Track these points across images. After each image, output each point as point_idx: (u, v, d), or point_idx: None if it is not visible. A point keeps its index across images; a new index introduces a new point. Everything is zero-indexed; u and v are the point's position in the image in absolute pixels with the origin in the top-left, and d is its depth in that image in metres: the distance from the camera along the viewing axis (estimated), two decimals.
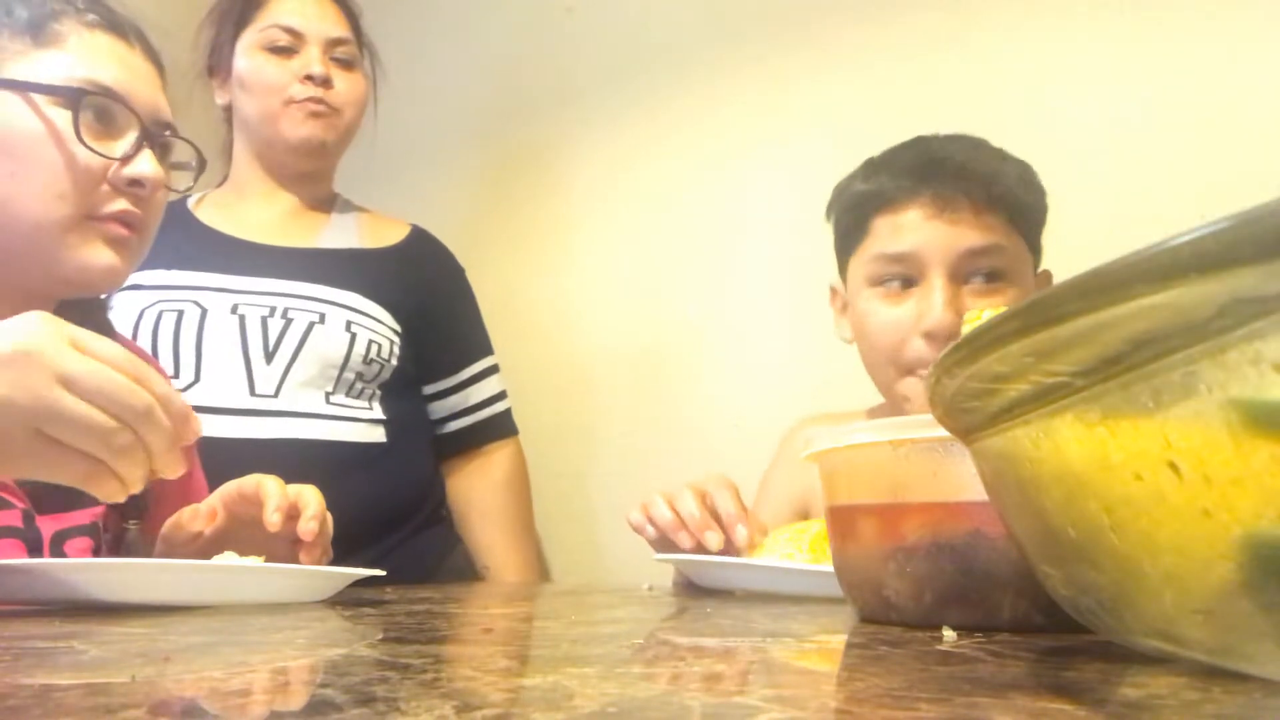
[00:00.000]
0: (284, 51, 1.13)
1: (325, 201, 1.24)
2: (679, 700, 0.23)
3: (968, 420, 0.30)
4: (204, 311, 1.05)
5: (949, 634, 0.39)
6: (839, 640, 0.39)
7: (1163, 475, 0.21)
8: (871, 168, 0.86)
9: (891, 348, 0.83)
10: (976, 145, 0.85)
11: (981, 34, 1.19)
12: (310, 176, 1.19)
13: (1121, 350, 0.20)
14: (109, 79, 0.68)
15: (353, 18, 1.20)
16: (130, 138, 0.68)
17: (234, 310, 1.06)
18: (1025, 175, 0.84)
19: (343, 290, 1.11)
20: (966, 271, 0.81)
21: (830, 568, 0.50)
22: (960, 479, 0.43)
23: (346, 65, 1.16)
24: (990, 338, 0.22)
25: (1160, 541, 0.22)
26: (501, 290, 1.49)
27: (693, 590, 0.72)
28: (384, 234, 1.24)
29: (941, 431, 0.39)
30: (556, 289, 1.53)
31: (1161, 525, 0.22)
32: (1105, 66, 1.10)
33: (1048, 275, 0.88)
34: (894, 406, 0.85)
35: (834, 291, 0.94)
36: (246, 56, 1.13)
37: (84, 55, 0.68)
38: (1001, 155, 0.84)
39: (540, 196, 1.62)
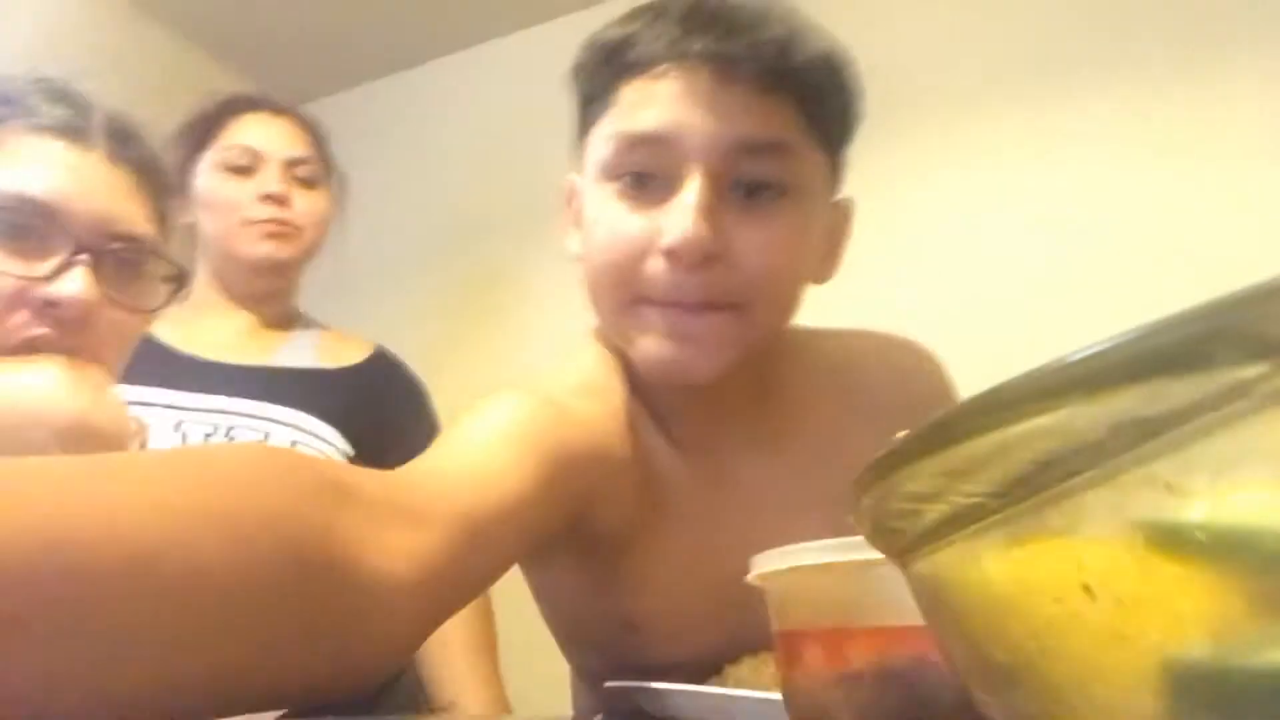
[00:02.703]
0: (243, 171, 1.15)
1: (285, 319, 1.24)
2: None
3: (896, 542, 0.29)
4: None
5: None
6: None
7: (1078, 599, 0.21)
8: (633, 12, 0.63)
9: (620, 265, 0.60)
10: (776, 8, 0.61)
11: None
12: (269, 295, 1.20)
13: (1028, 471, 0.20)
14: (39, 189, 0.63)
15: (316, 137, 1.23)
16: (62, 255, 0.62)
17: (177, 428, 1.04)
18: (834, 59, 0.62)
19: (292, 409, 1.10)
20: (735, 174, 0.59)
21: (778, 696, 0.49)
22: (904, 601, 0.43)
23: (308, 184, 1.18)
24: (899, 456, 0.22)
25: (1084, 668, 0.22)
26: (465, 410, 1.48)
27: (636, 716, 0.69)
28: (344, 353, 1.23)
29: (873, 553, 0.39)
30: None
31: (1084, 651, 0.22)
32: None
33: (847, 206, 0.68)
34: (621, 341, 0.65)
35: (571, 191, 0.70)
36: (206, 176, 1.16)
37: (16, 164, 0.64)
38: (809, 28, 0.62)
39: (503, 315, 1.64)
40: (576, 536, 0.62)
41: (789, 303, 0.65)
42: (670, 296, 0.60)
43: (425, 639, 0.46)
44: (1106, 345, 0.17)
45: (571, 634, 0.72)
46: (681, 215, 0.57)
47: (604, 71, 0.63)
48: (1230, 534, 0.17)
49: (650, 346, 0.61)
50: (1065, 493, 0.20)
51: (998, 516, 0.23)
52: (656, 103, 0.59)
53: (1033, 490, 0.21)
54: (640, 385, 0.68)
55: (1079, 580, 0.21)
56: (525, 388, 0.62)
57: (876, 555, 0.43)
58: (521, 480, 0.53)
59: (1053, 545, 0.21)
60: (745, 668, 0.68)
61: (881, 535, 0.29)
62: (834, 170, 0.65)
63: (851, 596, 0.44)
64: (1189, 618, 0.19)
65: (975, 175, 1.62)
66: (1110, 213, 1.50)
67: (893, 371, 0.73)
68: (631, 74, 0.61)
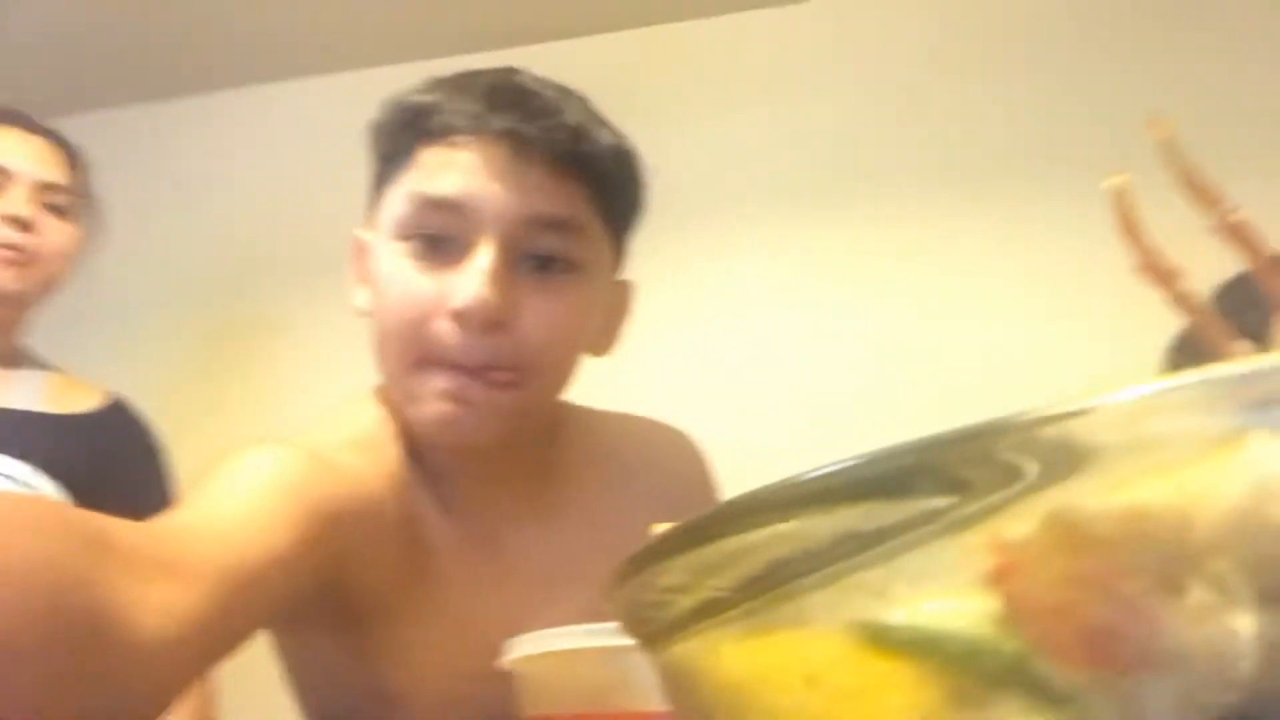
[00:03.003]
0: None
1: (10, 357, 1.12)
2: None
3: (647, 630, 0.31)
4: None
5: None
6: None
7: (802, 690, 0.23)
8: (437, 81, 0.65)
9: (409, 324, 0.61)
10: (573, 97, 0.65)
11: None
12: None
13: (763, 571, 0.23)
14: None
15: (74, 162, 1.14)
16: None
17: None
18: (625, 153, 0.67)
19: (5, 456, 1.00)
20: (526, 247, 0.61)
21: None
22: (653, 688, 0.45)
23: (59, 212, 1.09)
24: (656, 550, 0.24)
25: None
26: (206, 468, 1.39)
27: None
28: (74, 399, 1.13)
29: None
30: None
31: None
32: None
33: (628, 287, 0.72)
34: (404, 400, 0.64)
35: (360, 247, 0.69)
36: None
37: None
38: (603, 120, 0.66)
39: (257, 372, 1.56)
40: (336, 598, 0.60)
41: (567, 374, 0.67)
42: (455, 359, 0.60)
43: (181, 695, 0.44)
44: (834, 468, 0.19)
45: (323, 707, 0.69)
46: (472, 279, 0.59)
47: (405, 133, 0.64)
48: (924, 635, 0.20)
49: (430, 407, 0.62)
50: (792, 592, 0.23)
51: (737, 610, 0.25)
52: (456, 170, 0.61)
53: (767, 588, 0.23)
54: (417, 448, 0.67)
55: (803, 673, 0.23)
56: (289, 440, 0.60)
57: (627, 642, 0.45)
58: (284, 536, 0.51)
59: (781, 639, 0.24)
60: None
61: (635, 623, 0.31)
62: (618, 252, 0.69)
63: (602, 682, 0.45)
64: (896, 709, 0.22)
65: (753, 278, 1.74)
66: (880, 326, 1.65)
67: (663, 458, 0.76)
68: (433, 139, 0.62)
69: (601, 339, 0.70)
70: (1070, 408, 0.16)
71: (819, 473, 0.20)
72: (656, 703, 0.45)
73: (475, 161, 0.61)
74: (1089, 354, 1.41)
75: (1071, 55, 1.71)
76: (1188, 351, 0.96)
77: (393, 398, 0.66)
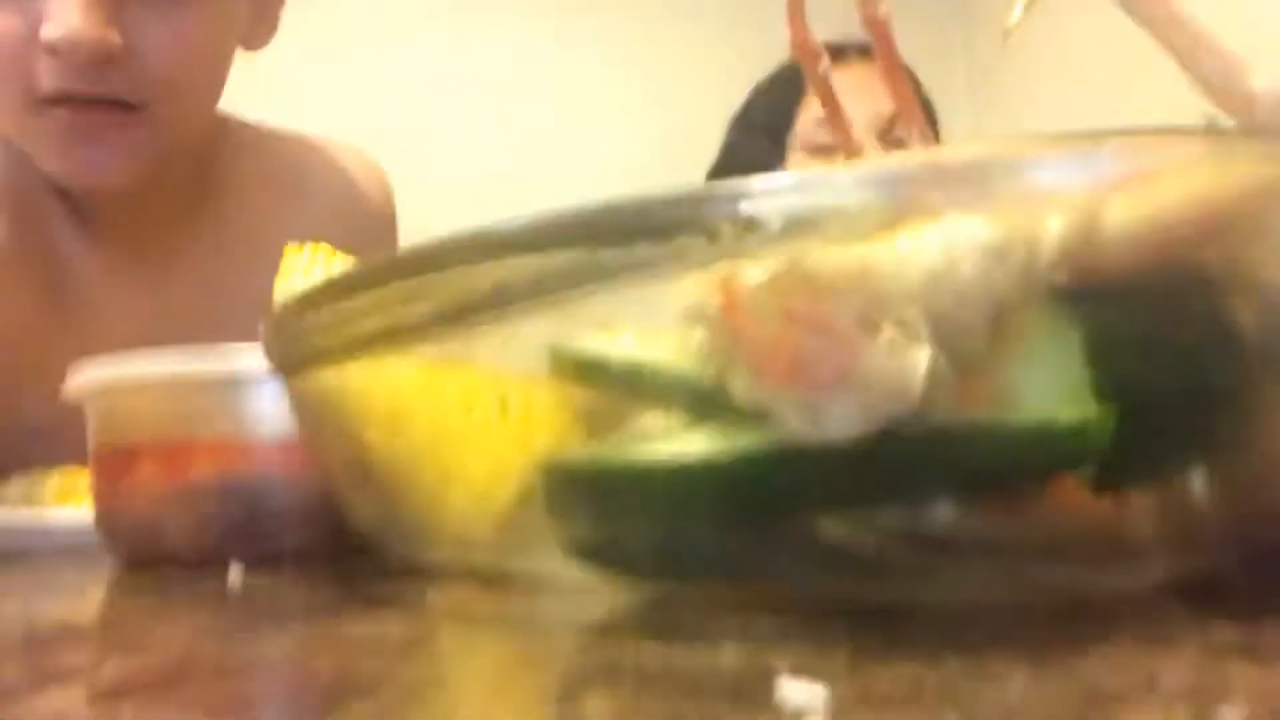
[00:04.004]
0: None
1: None
2: None
3: (300, 354, 0.30)
4: None
5: (234, 570, 0.39)
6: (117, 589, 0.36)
7: (492, 410, 0.25)
8: None
9: (7, 62, 0.52)
10: None
11: None
12: None
13: (476, 302, 0.24)
14: None
15: None
16: None
17: None
18: None
19: None
20: None
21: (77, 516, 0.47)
22: (246, 414, 0.44)
23: None
24: (354, 277, 0.24)
25: (476, 466, 0.27)
26: None
27: None
28: None
29: (231, 366, 0.40)
30: None
31: (481, 452, 0.26)
32: None
33: None
34: (23, 146, 0.56)
35: None
36: None
37: None
38: None
39: None
40: None
41: (210, 97, 0.59)
42: (63, 91, 0.51)
43: None
44: (576, 210, 0.21)
45: None
46: (64, 8, 0.49)
47: None
48: (630, 364, 0.22)
49: (52, 152, 0.54)
50: (500, 321, 0.24)
51: (430, 337, 0.26)
52: None
53: (475, 319, 0.24)
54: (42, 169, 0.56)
55: (497, 394, 0.25)
56: None
57: (220, 369, 0.43)
58: None
59: (477, 366, 0.26)
60: (17, 486, 0.62)
61: (289, 346, 0.30)
62: None
63: (195, 410, 0.43)
64: (569, 427, 0.25)
65: None
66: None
67: (342, 181, 0.71)
68: None
69: (255, 30, 0.61)
70: (814, 178, 0.19)
71: (551, 216, 0.21)
72: (254, 433, 0.45)
73: None
74: None
75: None
76: (740, 127, 1.09)
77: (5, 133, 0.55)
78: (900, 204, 0.18)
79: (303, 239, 0.40)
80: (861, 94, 0.97)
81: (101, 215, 0.61)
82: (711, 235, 0.19)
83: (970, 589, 0.19)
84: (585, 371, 0.23)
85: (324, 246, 0.39)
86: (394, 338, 0.27)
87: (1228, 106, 0.35)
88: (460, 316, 0.25)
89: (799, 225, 0.19)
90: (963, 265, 0.18)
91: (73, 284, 0.60)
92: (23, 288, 0.57)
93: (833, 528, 0.20)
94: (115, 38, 0.51)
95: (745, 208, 0.19)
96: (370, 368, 0.28)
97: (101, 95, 0.52)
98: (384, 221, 0.73)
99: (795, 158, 1.00)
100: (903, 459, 0.19)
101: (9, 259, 0.56)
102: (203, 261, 0.64)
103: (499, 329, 0.24)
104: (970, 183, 0.19)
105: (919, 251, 0.18)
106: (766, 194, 0.19)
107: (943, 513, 0.19)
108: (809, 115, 0.99)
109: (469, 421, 0.26)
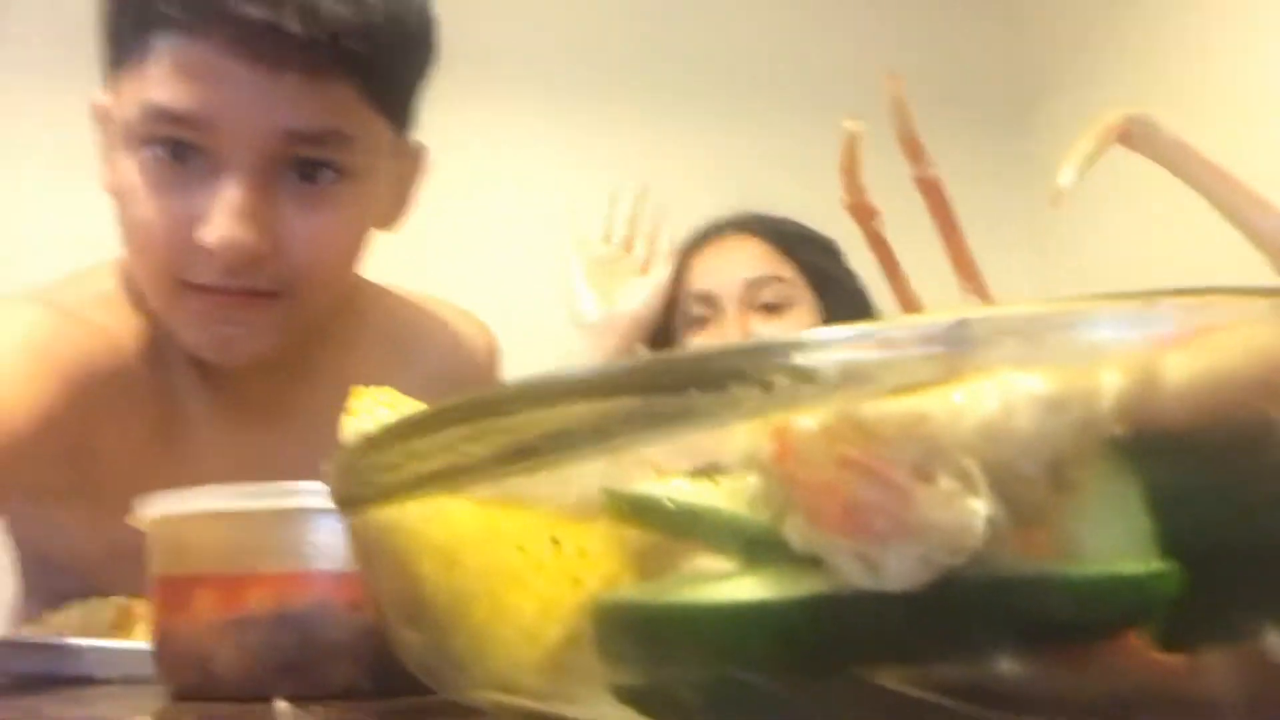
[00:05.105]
0: None
1: None
2: None
3: (362, 491, 0.31)
4: None
5: (282, 705, 0.39)
6: None
7: (545, 548, 0.25)
8: None
9: (158, 251, 0.55)
10: None
11: None
12: None
13: (535, 444, 0.24)
14: None
15: None
16: None
17: None
18: (399, 18, 0.55)
19: None
20: (286, 157, 0.54)
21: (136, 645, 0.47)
22: (304, 548, 0.44)
23: None
24: (432, 421, 0.25)
25: (527, 604, 0.27)
26: None
27: None
28: None
29: (292, 502, 0.41)
30: None
31: (532, 591, 0.26)
32: None
33: (418, 151, 0.64)
34: (165, 317, 0.59)
35: (103, 113, 0.58)
36: None
37: None
38: None
39: None
40: (80, 465, 0.56)
41: (343, 279, 0.62)
42: (213, 285, 0.55)
43: None
44: (623, 365, 0.22)
45: (48, 568, 0.64)
46: (222, 216, 0.52)
47: (138, 19, 0.53)
48: (685, 509, 0.23)
49: (192, 330, 0.57)
50: (557, 463, 0.25)
51: (488, 476, 0.26)
52: (193, 75, 0.51)
53: (534, 460, 0.25)
54: None
55: (550, 533, 0.25)
56: (36, 293, 0.55)
57: (280, 504, 0.44)
58: (31, 410, 0.48)
59: (533, 504, 0.26)
60: (75, 612, 0.62)
61: (354, 485, 0.31)
62: (404, 123, 0.61)
63: (254, 543, 0.44)
64: (622, 568, 0.25)
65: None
66: None
67: (448, 341, 0.73)
68: (166, 27, 0.52)
69: (390, 213, 0.64)
70: (870, 331, 0.19)
71: (595, 371, 0.22)
72: (308, 564, 0.45)
73: (217, 65, 0.51)
74: None
75: None
76: None
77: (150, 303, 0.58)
78: (956, 358, 0.19)
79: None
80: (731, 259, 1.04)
81: (221, 365, 0.63)
82: (766, 386, 0.20)
83: None
84: (639, 513, 0.23)
85: (390, 389, 0.40)
86: (454, 478, 0.27)
87: None
88: (518, 459, 0.25)
89: (854, 377, 0.19)
90: (1019, 416, 0.19)
91: (183, 422, 0.62)
92: (140, 417, 0.60)
93: (890, 679, 0.20)
94: (267, 246, 0.54)
95: (800, 360, 0.19)
96: (429, 505, 0.29)
97: (246, 288, 0.56)
98: (485, 384, 0.76)
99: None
100: (961, 610, 0.19)
101: (135, 388, 0.58)
102: (308, 413, 0.66)
103: (555, 471, 0.25)
104: (1026, 338, 0.19)
105: (975, 402, 0.18)
106: (821, 346, 0.20)
107: (1004, 666, 0.18)
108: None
109: (522, 559, 0.26)
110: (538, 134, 1.77)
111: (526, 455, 0.25)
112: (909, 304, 0.36)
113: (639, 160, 1.59)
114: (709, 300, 1.03)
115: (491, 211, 1.71)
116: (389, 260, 0.70)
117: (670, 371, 0.22)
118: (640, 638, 0.24)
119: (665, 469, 0.22)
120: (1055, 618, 0.18)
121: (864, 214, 0.35)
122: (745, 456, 0.21)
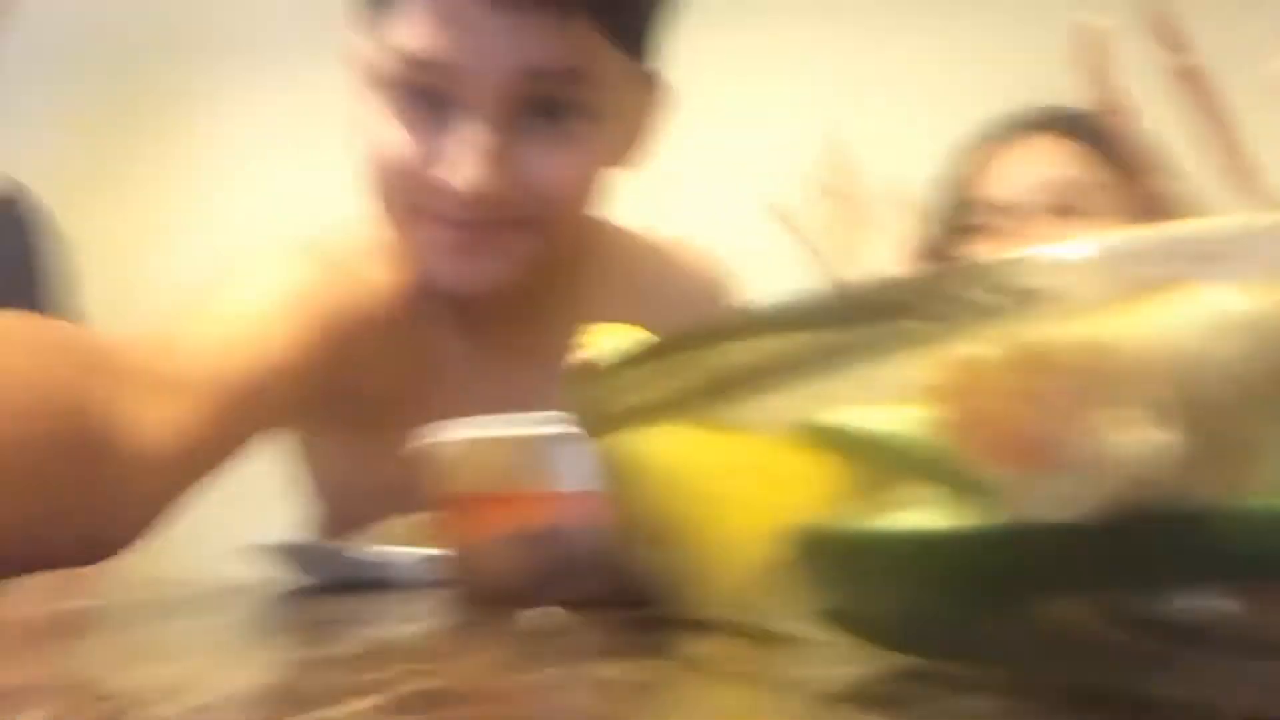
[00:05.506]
0: None
1: None
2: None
3: (597, 417, 0.34)
4: None
5: (538, 612, 0.43)
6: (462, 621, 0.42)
7: (751, 475, 0.27)
8: None
9: (401, 182, 0.58)
10: None
11: None
12: None
13: (735, 377, 0.26)
14: None
15: None
16: None
17: None
18: None
19: None
20: (528, 98, 0.55)
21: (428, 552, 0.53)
22: (559, 471, 0.48)
23: None
24: (649, 354, 0.27)
25: (735, 527, 0.28)
26: (115, 268, 1.30)
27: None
28: None
29: (550, 429, 0.44)
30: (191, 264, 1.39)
31: (741, 515, 0.28)
32: None
33: (655, 90, 0.64)
34: (408, 249, 0.62)
35: (355, 53, 0.62)
36: None
37: None
38: None
39: (171, 149, 1.45)
40: (347, 405, 0.61)
41: (582, 212, 0.63)
42: (450, 217, 0.57)
43: (175, 505, 0.45)
44: (809, 299, 0.22)
45: (335, 505, 0.71)
46: (466, 158, 0.54)
47: None
48: (866, 435, 0.23)
49: (432, 260, 0.60)
50: (751, 395, 0.26)
51: (697, 408, 0.28)
52: (437, 20, 0.54)
53: (734, 393, 0.26)
54: None
55: (752, 462, 0.27)
56: (305, 244, 0.59)
57: (539, 431, 0.48)
58: (289, 346, 0.52)
59: (735, 434, 0.27)
60: (399, 525, 0.71)
61: (589, 413, 0.34)
62: (642, 64, 0.61)
63: (510, 467, 0.49)
64: (814, 493, 0.26)
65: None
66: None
67: (680, 279, 0.75)
68: None
69: (631, 153, 0.66)
70: (1045, 256, 0.19)
71: (809, 300, 0.23)
72: (564, 486, 0.49)
73: (462, 9, 0.53)
74: None
75: None
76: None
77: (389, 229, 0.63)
78: (1143, 279, 0.18)
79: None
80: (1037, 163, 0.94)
81: (475, 308, 0.67)
82: (949, 316, 0.19)
83: (1212, 686, 0.18)
84: (835, 443, 0.24)
85: (619, 325, 0.43)
86: (666, 407, 0.29)
87: None
88: (721, 390, 0.27)
89: (1039, 303, 0.18)
90: (1217, 342, 0.17)
91: (439, 363, 0.67)
92: (402, 359, 0.65)
93: (1070, 611, 0.19)
94: (508, 187, 0.56)
95: (989, 286, 0.19)
96: (651, 432, 0.31)
97: (483, 220, 0.58)
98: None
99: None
100: (1146, 543, 0.18)
101: (395, 334, 0.64)
102: (556, 352, 0.71)
103: (758, 401, 0.26)
104: (1230, 254, 0.17)
105: (1169, 328, 0.17)
106: (1006, 270, 0.19)
107: (1188, 601, 0.17)
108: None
109: (731, 485, 0.28)
110: (789, 62, 1.66)
111: (727, 387, 0.26)
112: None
113: (895, 82, 1.48)
114: (1008, 210, 0.93)
115: (736, 146, 1.62)
116: (633, 198, 0.70)
117: (854, 303, 0.22)
118: (835, 562, 0.25)
119: (856, 401, 0.23)
120: (1247, 553, 0.17)
121: (1121, 114, 0.32)
122: (929, 388, 0.21)
